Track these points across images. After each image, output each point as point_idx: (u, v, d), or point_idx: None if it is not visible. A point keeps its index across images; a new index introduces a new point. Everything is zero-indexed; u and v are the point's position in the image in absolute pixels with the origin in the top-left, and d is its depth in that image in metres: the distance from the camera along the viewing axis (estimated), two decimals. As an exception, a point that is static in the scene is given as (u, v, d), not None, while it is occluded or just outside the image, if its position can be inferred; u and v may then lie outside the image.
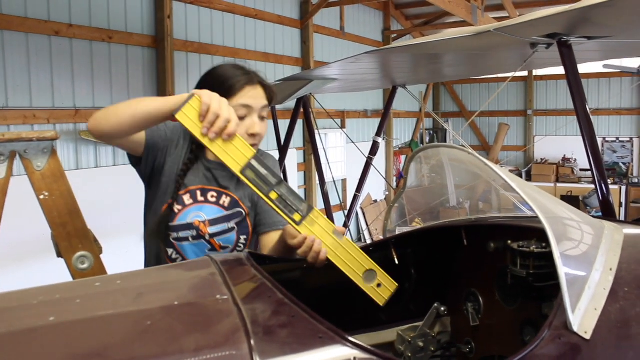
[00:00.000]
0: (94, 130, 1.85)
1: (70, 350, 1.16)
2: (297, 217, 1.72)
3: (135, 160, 2.11)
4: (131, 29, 7.11)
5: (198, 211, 2.12)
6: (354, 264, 1.83)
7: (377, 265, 1.87)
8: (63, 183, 2.15)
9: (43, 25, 6.05)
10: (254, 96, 2.09)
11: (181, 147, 2.16)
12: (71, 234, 2.17)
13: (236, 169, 1.70)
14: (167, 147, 2.12)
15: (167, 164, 2.12)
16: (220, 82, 2.08)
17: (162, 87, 7.45)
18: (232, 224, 2.17)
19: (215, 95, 1.74)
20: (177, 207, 2.10)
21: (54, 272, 2.41)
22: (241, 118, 2.03)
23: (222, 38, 8.60)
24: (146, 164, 2.10)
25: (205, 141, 1.69)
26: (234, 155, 1.71)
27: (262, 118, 2.12)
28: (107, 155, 6.89)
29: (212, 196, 2.16)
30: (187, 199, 2.12)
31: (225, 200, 2.17)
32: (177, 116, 1.68)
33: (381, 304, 1.88)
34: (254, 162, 1.71)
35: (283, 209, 1.71)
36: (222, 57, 8.56)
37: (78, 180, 5.95)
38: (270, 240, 2.18)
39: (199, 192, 2.14)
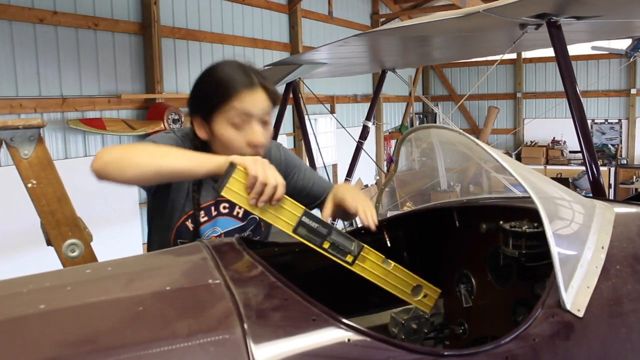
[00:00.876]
0: (101, 175, 1.69)
1: (61, 337, 1.15)
2: (349, 258, 1.78)
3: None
4: (117, 15, 7.04)
5: (213, 227, 2.05)
6: (402, 285, 1.93)
7: (421, 279, 1.98)
8: (51, 171, 2.13)
9: (27, 12, 5.97)
10: (252, 101, 1.89)
11: None
12: (60, 222, 2.14)
13: (288, 229, 1.69)
14: None
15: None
16: (215, 86, 1.90)
17: (150, 75, 7.39)
18: (247, 233, 2.12)
19: (259, 161, 1.62)
20: (190, 225, 2.03)
21: (45, 262, 2.39)
22: (240, 125, 1.89)
23: (209, 24, 8.54)
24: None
25: (255, 211, 1.66)
26: (285, 217, 1.68)
27: (264, 123, 1.94)
28: (96, 144, 6.84)
29: (225, 207, 2.07)
30: (201, 216, 2.04)
31: (239, 211, 2.08)
32: (223, 193, 1.61)
33: (427, 311, 2.03)
34: (305, 219, 1.69)
35: (336, 255, 1.75)
36: (209, 43, 8.50)
37: (67, 170, 5.89)
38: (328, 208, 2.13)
39: (212, 208, 2.05)
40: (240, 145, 1.90)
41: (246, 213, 2.09)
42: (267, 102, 1.93)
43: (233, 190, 1.61)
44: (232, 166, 1.61)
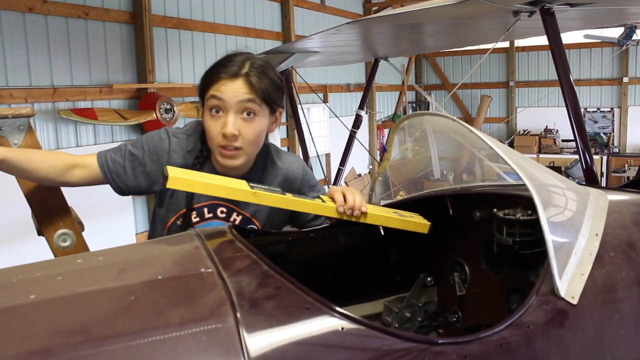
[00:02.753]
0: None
1: (51, 327, 1.13)
2: (319, 201, 1.84)
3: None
4: (108, 4, 6.98)
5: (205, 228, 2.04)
6: (384, 212, 2.01)
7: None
8: (41, 160, 2.10)
9: (16, 1, 5.90)
10: (229, 89, 1.86)
11: (179, 159, 2.01)
12: (52, 212, 2.13)
13: (245, 187, 1.73)
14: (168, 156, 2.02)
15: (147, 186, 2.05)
16: (207, 71, 1.95)
17: (142, 64, 7.34)
18: None
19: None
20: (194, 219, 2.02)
21: (37, 252, 2.37)
22: (216, 112, 1.89)
23: (201, 13, 8.48)
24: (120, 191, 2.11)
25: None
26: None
27: (248, 115, 1.91)
28: (87, 134, 6.80)
29: (222, 212, 2.04)
30: (193, 216, 2.02)
31: (237, 219, 2.05)
32: (169, 185, 1.66)
33: (429, 224, 2.08)
34: (252, 184, 1.75)
35: (305, 199, 1.82)
36: (201, 33, 8.45)
37: (58, 160, 5.91)
38: None
39: (206, 209, 2.02)
40: (216, 132, 1.90)
41: (243, 221, 2.07)
42: (247, 93, 1.88)
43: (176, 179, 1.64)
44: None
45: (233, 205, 2.03)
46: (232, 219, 2.05)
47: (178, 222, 2.02)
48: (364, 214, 1.88)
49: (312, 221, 2.19)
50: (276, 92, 1.97)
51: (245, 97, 1.88)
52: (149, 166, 2.00)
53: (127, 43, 7.29)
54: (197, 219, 2.02)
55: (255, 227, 2.09)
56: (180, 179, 1.62)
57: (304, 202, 1.79)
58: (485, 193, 2.23)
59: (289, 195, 1.75)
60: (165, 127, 2.21)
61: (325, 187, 2.31)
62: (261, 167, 2.09)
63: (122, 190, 2.05)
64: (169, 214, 2.05)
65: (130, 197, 7.25)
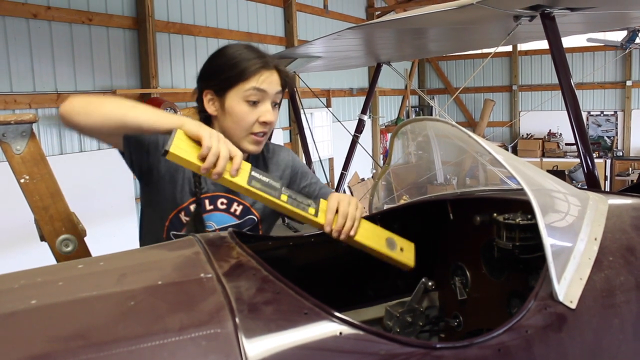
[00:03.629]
0: (67, 119, 1.70)
1: (52, 332, 1.14)
2: (311, 210, 1.77)
3: (120, 152, 1.98)
4: (111, 10, 7.01)
5: (207, 221, 2.01)
6: (373, 238, 1.90)
7: (390, 232, 1.97)
8: (44, 166, 2.12)
9: (20, 7, 5.94)
10: (269, 81, 1.95)
11: None
12: (54, 217, 2.13)
13: (243, 182, 1.67)
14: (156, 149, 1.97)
15: (162, 166, 1.98)
16: (232, 64, 1.95)
17: (145, 70, 7.37)
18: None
19: (214, 133, 1.64)
20: (185, 219, 2.00)
21: (40, 257, 2.39)
22: (254, 103, 1.94)
23: (204, 18, 8.51)
24: (131, 161, 1.95)
25: (206, 175, 1.66)
26: (235, 178, 1.67)
27: (275, 105, 2.01)
28: (91, 140, 6.81)
29: (222, 203, 2.05)
30: (193, 207, 2.00)
31: (237, 209, 2.06)
32: (169, 157, 1.58)
33: (412, 265, 1.97)
34: (254, 174, 1.70)
35: (297, 207, 1.74)
36: (204, 38, 8.48)
37: (62, 166, 5.93)
38: None
39: (207, 201, 2.03)
40: (251, 121, 1.95)
41: (244, 211, 2.08)
42: (279, 85, 2.00)
43: (177, 153, 1.58)
44: (172, 131, 1.60)
45: (232, 195, 2.04)
46: (232, 210, 2.06)
47: (181, 216, 2.00)
48: (350, 237, 1.82)
49: None
50: (287, 84, 2.08)
51: (279, 89, 2.00)
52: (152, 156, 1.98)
53: (130, 48, 7.32)
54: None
55: (255, 219, 2.10)
56: (180, 156, 1.58)
57: (294, 210, 1.74)
58: (485, 198, 2.23)
59: (283, 198, 1.71)
60: None
61: (326, 191, 2.32)
62: (260, 154, 2.14)
63: (132, 162, 1.98)
64: (165, 211, 2.02)
65: (133, 201, 7.27)
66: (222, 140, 1.64)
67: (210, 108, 2.01)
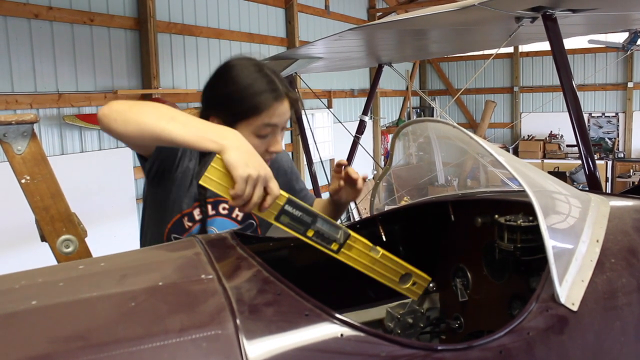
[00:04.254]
0: (104, 123, 1.62)
1: (52, 333, 1.14)
2: (334, 246, 1.73)
3: (141, 157, 1.95)
4: (113, 10, 7.02)
5: (209, 226, 2.01)
6: (391, 273, 1.90)
7: (411, 267, 1.96)
8: (44, 166, 2.12)
9: (22, 7, 5.95)
10: (280, 113, 1.89)
11: (193, 158, 2.01)
12: (54, 218, 2.13)
13: (270, 217, 1.61)
14: (181, 155, 1.97)
15: (178, 171, 1.96)
16: (243, 96, 1.85)
17: (147, 70, 7.38)
18: None
19: (251, 162, 1.48)
20: (187, 224, 1.99)
21: (41, 258, 2.39)
22: (264, 137, 1.89)
23: (205, 19, 8.52)
24: (151, 167, 1.93)
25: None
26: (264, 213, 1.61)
27: (283, 129, 1.98)
28: (92, 140, 6.83)
29: (224, 208, 2.05)
30: (196, 214, 2.01)
31: (239, 214, 2.06)
32: (202, 182, 1.49)
33: (415, 299, 2.02)
34: (287, 208, 1.62)
35: (320, 243, 1.70)
36: (206, 39, 8.48)
37: (63, 166, 5.95)
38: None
39: (210, 206, 2.02)
40: (260, 152, 1.85)
41: (245, 217, 2.08)
42: (289, 112, 1.94)
43: (212, 179, 1.49)
44: (211, 154, 1.49)
45: None
46: (234, 215, 2.06)
47: (184, 220, 2.00)
48: (367, 266, 1.82)
49: None
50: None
51: (289, 117, 1.96)
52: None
53: (131, 49, 7.33)
54: (201, 216, 2.02)
55: (254, 223, 2.11)
56: (211, 187, 1.51)
57: (316, 246, 1.70)
58: (486, 199, 2.23)
59: (309, 233, 1.65)
60: None
61: (328, 193, 2.33)
62: None
63: (151, 168, 1.96)
64: (168, 213, 2.02)
65: (134, 202, 7.28)
66: (260, 181, 1.48)
67: None
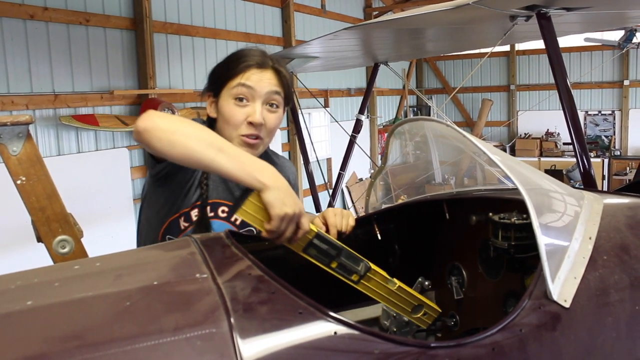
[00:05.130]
0: (145, 139, 1.59)
1: (47, 333, 1.14)
2: (355, 277, 1.80)
3: (153, 157, 1.90)
4: (108, 11, 7.01)
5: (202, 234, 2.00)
6: (404, 303, 1.97)
7: (423, 298, 2.03)
8: (40, 167, 2.12)
9: (17, 8, 5.94)
10: (258, 78, 1.89)
11: None
12: (50, 218, 2.14)
13: (298, 249, 1.69)
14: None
15: (186, 174, 1.96)
16: (229, 61, 1.93)
17: (143, 70, 7.37)
18: None
19: (283, 211, 1.53)
20: (183, 224, 1.97)
21: (38, 260, 2.39)
22: (241, 100, 1.89)
23: (202, 19, 8.51)
24: (164, 167, 1.89)
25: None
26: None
27: (271, 106, 1.94)
28: (89, 140, 6.82)
29: (223, 211, 2.03)
30: (194, 214, 1.99)
31: (238, 218, 2.03)
32: (238, 214, 1.56)
33: (425, 327, 2.05)
34: (315, 241, 1.69)
35: (342, 274, 1.78)
36: (202, 38, 8.48)
37: (60, 167, 5.94)
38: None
39: (208, 207, 2.00)
40: (239, 120, 1.90)
41: (244, 222, 2.07)
42: (276, 85, 1.93)
43: (249, 212, 1.56)
44: (248, 190, 1.56)
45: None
46: (232, 219, 2.05)
47: (180, 220, 1.98)
48: (379, 295, 1.89)
49: None
50: (290, 89, 2.03)
51: (273, 89, 1.93)
52: None
53: (128, 49, 7.32)
54: (198, 217, 2.00)
55: (254, 229, 2.09)
56: (247, 219, 1.58)
57: (338, 277, 1.79)
58: (481, 197, 2.24)
59: (333, 265, 1.74)
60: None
61: (325, 192, 2.34)
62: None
63: (162, 171, 1.94)
64: (164, 213, 2.00)
65: (131, 202, 7.28)
66: (294, 218, 1.55)
67: (211, 111, 1.98)
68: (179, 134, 1.58)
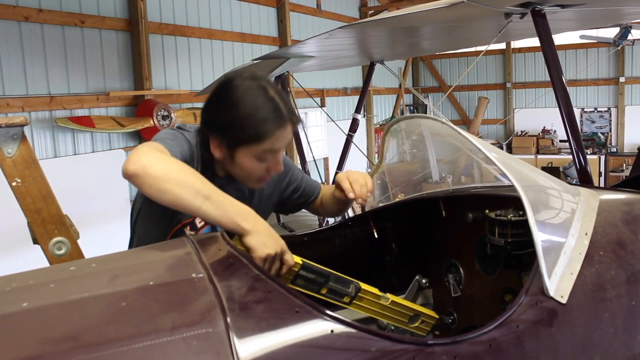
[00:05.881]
0: (137, 184, 1.61)
1: (44, 335, 1.14)
2: (346, 299, 1.85)
3: None
4: (104, 12, 7.00)
5: (209, 232, 1.98)
6: (400, 315, 2.01)
7: (418, 307, 2.08)
8: (35, 169, 2.11)
9: (11, 10, 5.93)
10: (283, 138, 1.89)
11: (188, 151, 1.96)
12: (46, 220, 2.13)
13: (287, 282, 1.73)
14: None
15: None
16: (247, 123, 1.83)
17: (139, 71, 7.36)
18: None
19: (269, 243, 1.59)
20: (190, 233, 1.97)
21: (35, 262, 2.38)
22: (265, 160, 1.90)
23: (197, 19, 8.50)
24: None
25: None
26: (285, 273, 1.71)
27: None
28: (85, 142, 6.81)
29: None
30: (198, 222, 1.99)
31: None
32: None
33: (424, 335, 2.09)
34: (302, 272, 1.74)
35: (334, 298, 1.83)
36: (198, 39, 8.47)
37: (56, 169, 5.94)
38: (320, 203, 2.31)
39: None
40: (260, 174, 1.95)
41: None
42: (290, 134, 1.94)
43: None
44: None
45: None
46: None
47: (186, 230, 1.98)
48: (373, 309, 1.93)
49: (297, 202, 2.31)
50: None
51: (291, 138, 2.02)
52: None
53: (123, 50, 7.31)
54: (202, 223, 2.01)
55: None
56: None
57: (330, 301, 1.83)
58: (477, 195, 2.24)
59: (323, 291, 1.79)
60: (172, 127, 2.11)
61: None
62: None
63: None
64: (165, 222, 1.99)
65: (128, 204, 7.26)
66: (277, 257, 1.61)
67: (217, 153, 1.93)
68: (169, 182, 1.60)
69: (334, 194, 2.19)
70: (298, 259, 1.71)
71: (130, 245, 2.15)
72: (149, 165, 1.60)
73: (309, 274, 1.75)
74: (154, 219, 2.01)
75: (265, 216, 2.15)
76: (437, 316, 2.09)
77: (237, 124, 1.85)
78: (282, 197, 2.26)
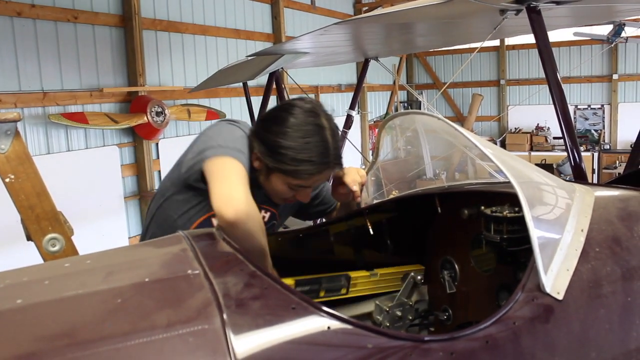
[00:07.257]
0: (227, 228, 1.64)
1: (38, 332, 1.13)
2: (343, 291, 2.05)
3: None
4: (97, 8, 6.96)
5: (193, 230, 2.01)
6: (393, 281, 2.22)
7: (403, 267, 2.26)
8: (29, 165, 2.10)
9: (3, 5, 5.89)
10: (319, 180, 2.01)
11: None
12: (40, 217, 2.12)
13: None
14: None
15: None
16: (289, 156, 1.89)
17: (132, 68, 7.33)
18: None
19: None
20: (215, 220, 1.98)
21: (29, 259, 2.37)
22: (294, 189, 1.99)
23: (191, 15, 8.47)
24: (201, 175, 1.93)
25: None
26: None
27: None
28: (78, 138, 6.78)
29: (263, 217, 2.11)
30: None
31: (265, 215, 2.16)
32: None
33: (420, 283, 2.27)
34: (297, 289, 1.88)
35: (333, 295, 2.02)
36: (192, 35, 8.44)
37: (50, 165, 5.91)
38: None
39: None
40: (287, 196, 2.03)
41: (270, 217, 2.20)
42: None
43: None
44: None
45: (262, 204, 2.07)
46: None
47: (213, 219, 2.00)
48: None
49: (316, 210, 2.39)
50: None
51: (326, 179, 2.09)
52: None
53: (117, 46, 7.27)
54: None
55: (275, 222, 2.25)
56: None
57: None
58: (473, 191, 2.24)
59: (321, 294, 2.02)
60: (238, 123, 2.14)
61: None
62: None
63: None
64: (199, 213, 2.04)
65: (122, 200, 7.24)
66: None
67: (256, 163, 1.99)
68: (250, 238, 1.68)
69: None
70: (290, 280, 1.86)
71: (146, 231, 2.19)
72: (248, 220, 1.67)
73: (303, 287, 1.91)
74: (183, 207, 2.05)
75: (284, 219, 2.33)
76: (422, 267, 2.26)
77: (280, 153, 1.90)
78: (303, 204, 2.26)
